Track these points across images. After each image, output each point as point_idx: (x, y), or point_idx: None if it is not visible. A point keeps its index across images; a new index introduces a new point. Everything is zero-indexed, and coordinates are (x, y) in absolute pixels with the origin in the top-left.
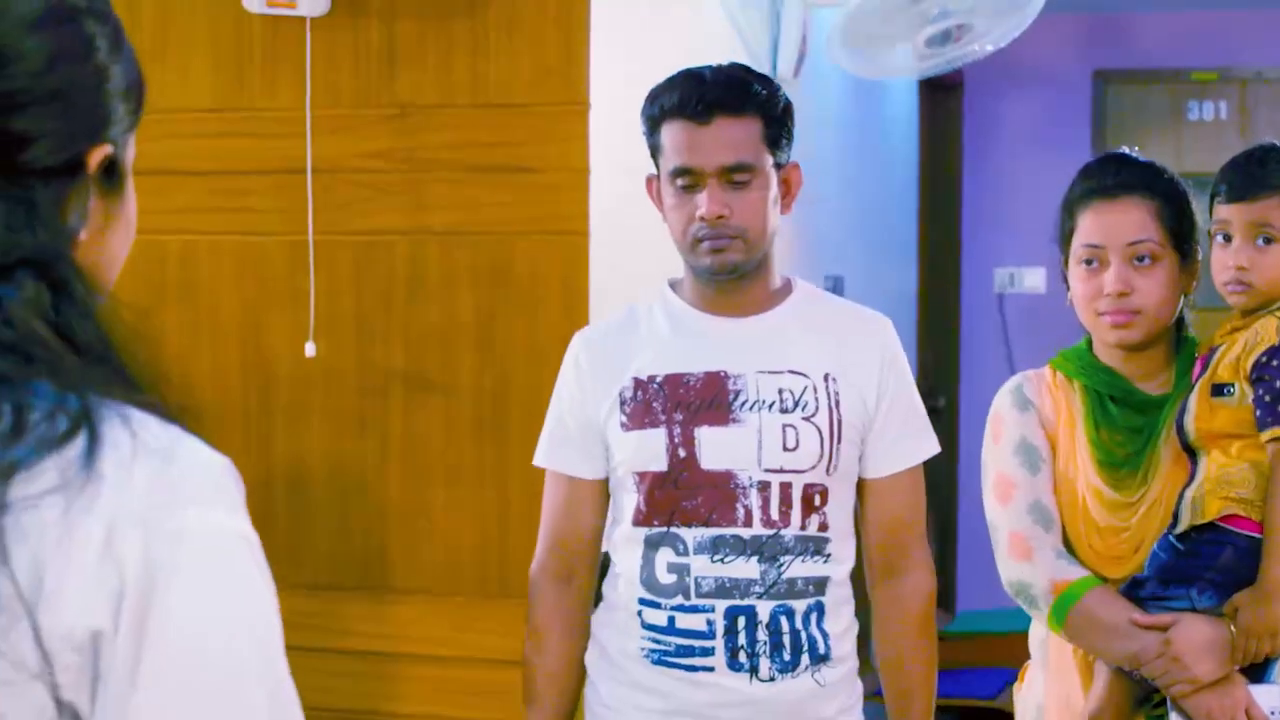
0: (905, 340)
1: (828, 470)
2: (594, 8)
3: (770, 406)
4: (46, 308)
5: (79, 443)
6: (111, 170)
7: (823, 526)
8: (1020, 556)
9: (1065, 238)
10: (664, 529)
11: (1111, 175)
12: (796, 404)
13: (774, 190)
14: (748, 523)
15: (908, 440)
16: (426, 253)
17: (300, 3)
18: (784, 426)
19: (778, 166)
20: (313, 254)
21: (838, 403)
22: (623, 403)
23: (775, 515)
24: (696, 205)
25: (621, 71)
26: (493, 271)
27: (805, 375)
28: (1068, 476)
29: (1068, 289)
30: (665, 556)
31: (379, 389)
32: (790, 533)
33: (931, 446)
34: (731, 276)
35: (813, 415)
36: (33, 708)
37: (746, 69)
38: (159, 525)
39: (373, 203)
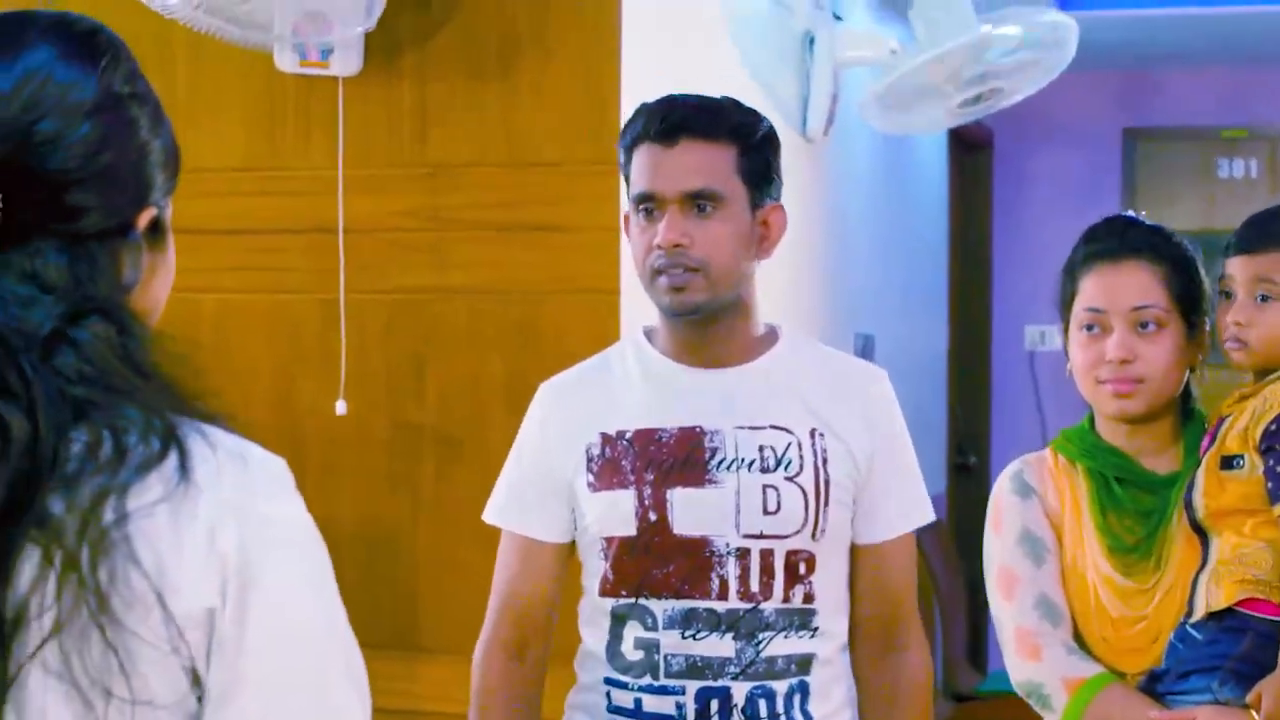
0: (936, 398)
1: (814, 535)
2: (624, 68)
3: (750, 465)
4: (116, 345)
5: (172, 458)
6: (155, 227)
7: (808, 598)
8: (1028, 655)
9: (1066, 303)
10: (631, 600)
11: (1116, 238)
12: (779, 462)
13: (746, 227)
14: (723, 595)
15: (904, 503)
16: (457, 311)
17: (333, 63)
18: (765, 487)
19: (755, 205)
20: (344, 313)
21: (825, 460)
22: (589, 460)
23: (755, 586)
24: (656, 233)
25: None
26: (523, 330)
27: (789, 431)
28: (1076, 566)
29: (1068, 359)
30: (633, 631)
31: (409, 448)
32: (771, 606)
33: (927, 513)
34: (695, 318)
35: (797, 475)
36: (170, 677)
37: (733, 100)
38: (247, 519)
39: (404, 261)
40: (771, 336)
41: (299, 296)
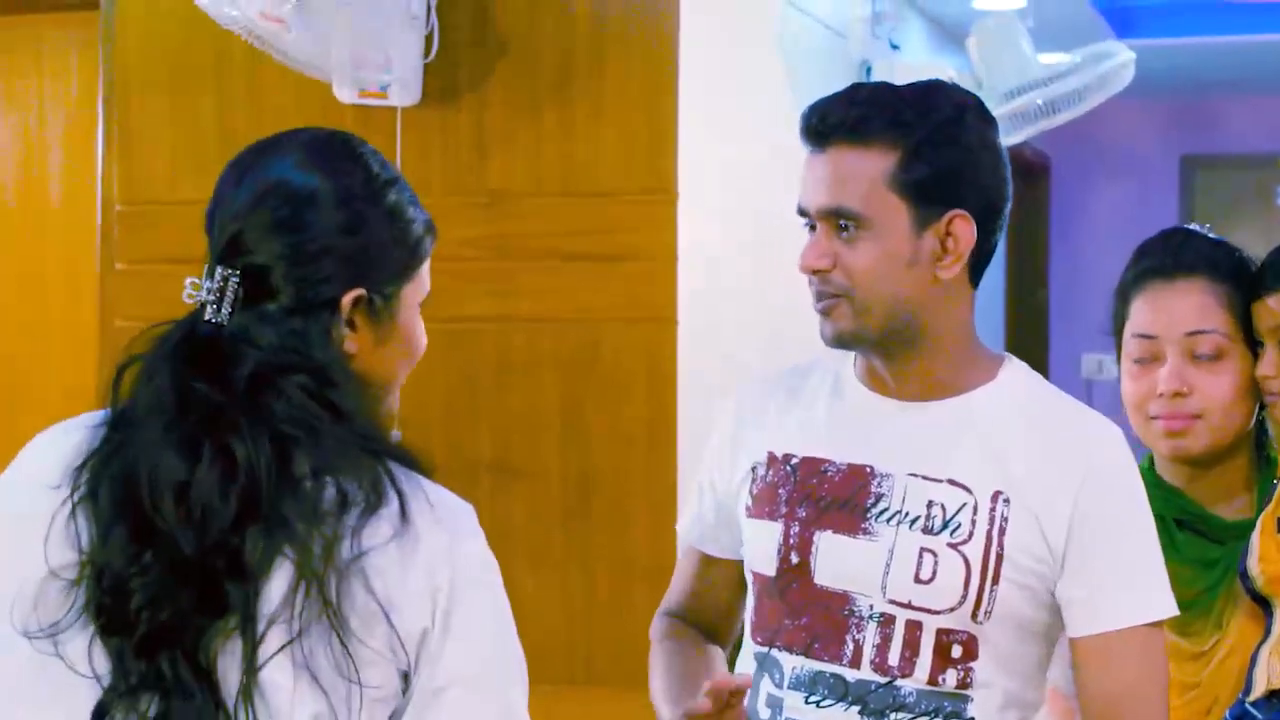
0: None
1: (975, 615)
2: (682, 96)
3: (913, 522)
4: (317, 394)
5: (394, 504)
6: (371, 306)
7: (963, 684)
8: (1060, 718)
9: (1118, 328)
10: (766, 649)
11: (1170, 253)
12: (945, 525)
13: (904, 247)
14: (855, 662)
15: (1121, 591)
16: (514, 340)
17: (391, 93)
18: (922, 550)
19: (924, 221)
20: None
21: (1003, 531)
22: (754, 480)
23: (893, 660)
24: None
25: (709, 159)
26: (580, 358)
27: (968, 489)
28: None
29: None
30: (766, 685)
31: (466, 475)
32: (911, 685)
33: (1161, 606)
34: (851, 349)
35: (963, 543)
36: (387, 675)
37: (923, 89)
38: (455, 560)
39: (461, 290)
40: (989, 370)
41: None
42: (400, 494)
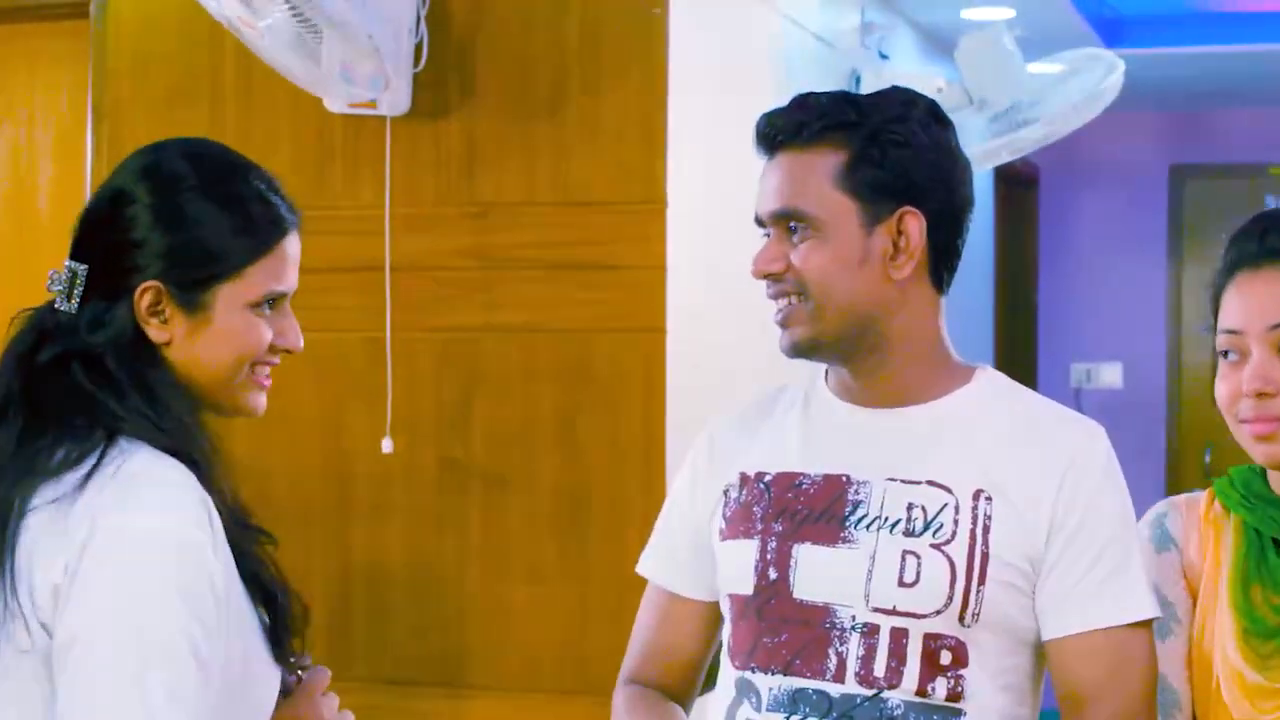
0: None
1: (962, 619)
2: (672, 107)
3: (893, 526)
4: (99, 378)
5: (85, 470)
6: (180, 298)
7: (955, 695)
8: None
9: (1214, 325)
10: (743, 673)
11: (1255, 240)
12: (927, 526)
13: (853, 248)
14: (839, 677)
15: (1100, 590)
16: (506, 350)
17: (381, 102)
18: (905, 553)
19: (875, 219)
20: (390, 351)
21: (987, 529)
22: (726, 503)
23: (879, 670)
24: None
25: (700, 170)
26: (572, 369)
27: (948, 490)
28: (1202, 645)
29: None
30: (744, 711)
31: (458, 486)
32: (899, 697)
33: (1137, 607)
34: (811, 358)
35: (946, 543)
36: (25, 632)
37: (879, 91)
38: (99, 525)
39: (452, 301)
40: (963, 377)
41: (347, 335)
42: (97, 463)
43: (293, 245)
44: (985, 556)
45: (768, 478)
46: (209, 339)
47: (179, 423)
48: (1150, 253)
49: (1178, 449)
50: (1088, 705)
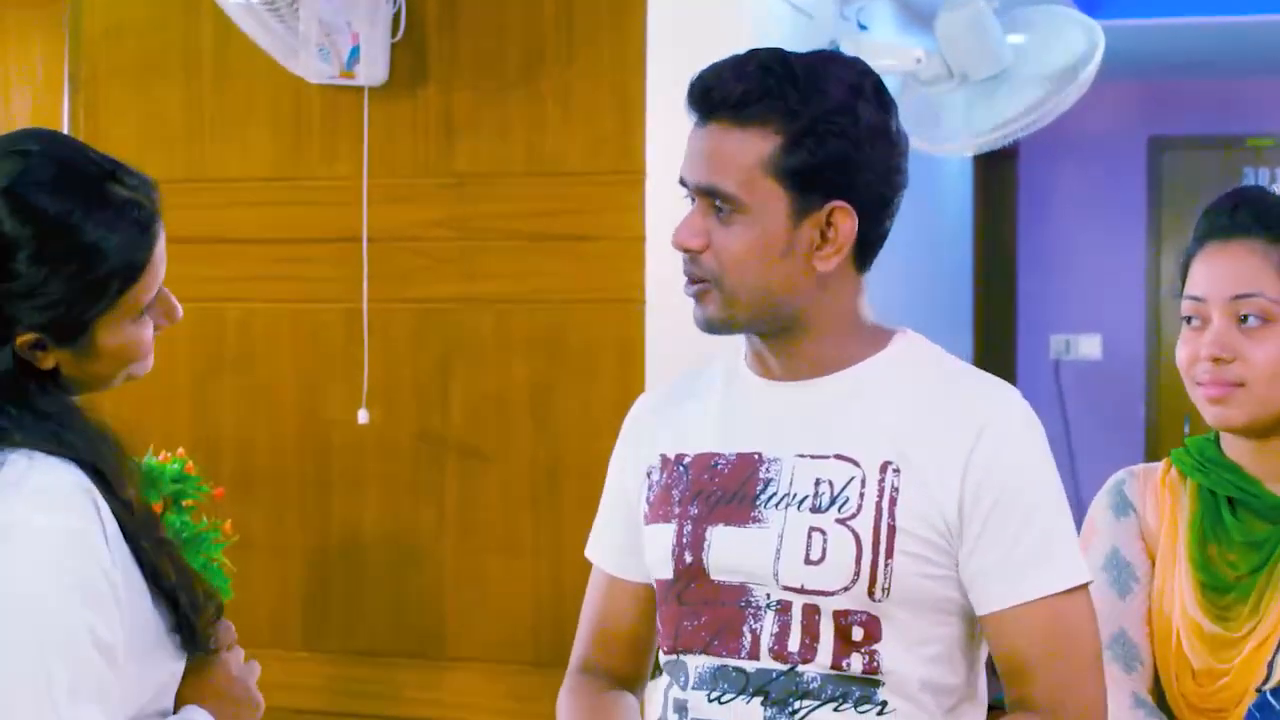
0: None
1: (871, 594)
2: (650, 77)
3: (801, 503)
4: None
5: None
6: (68, 336)
7: (871, 669)
8: None
9: (1183, 290)
10: (673, 656)
11: (1226, 214)
12: (833, 501)
13: (777, 237)
14: (753, 653)
15: (1026, 561)
16: (482, 321)
17: (358, 73)
18: (810, 530)
19: (802, 210)
20: (367, 322)
21: (894, 502)
22: (649, 487)
23: (793, 646)
24: None
25: (678, 140)
26: (548, 340)
27: (855, 463)
28: (1163, 602)
29: None
30: (673, 691)
31: (434, 457)
32: (814, 670)
33: (1069, 574)
34: (723, 334)
35: (851, 517)
36: None
37: (823, 64)
38: None
39: (429, 271)
40: (879, 342)
41: (324, 306)
42: None
43: (160, 244)
44: (892, 529)
45: (686, 459)
46: (95, 362)
47: (79, 435)
48: (1129, 224)
49: (1156, 419)
50: (1028, 677)
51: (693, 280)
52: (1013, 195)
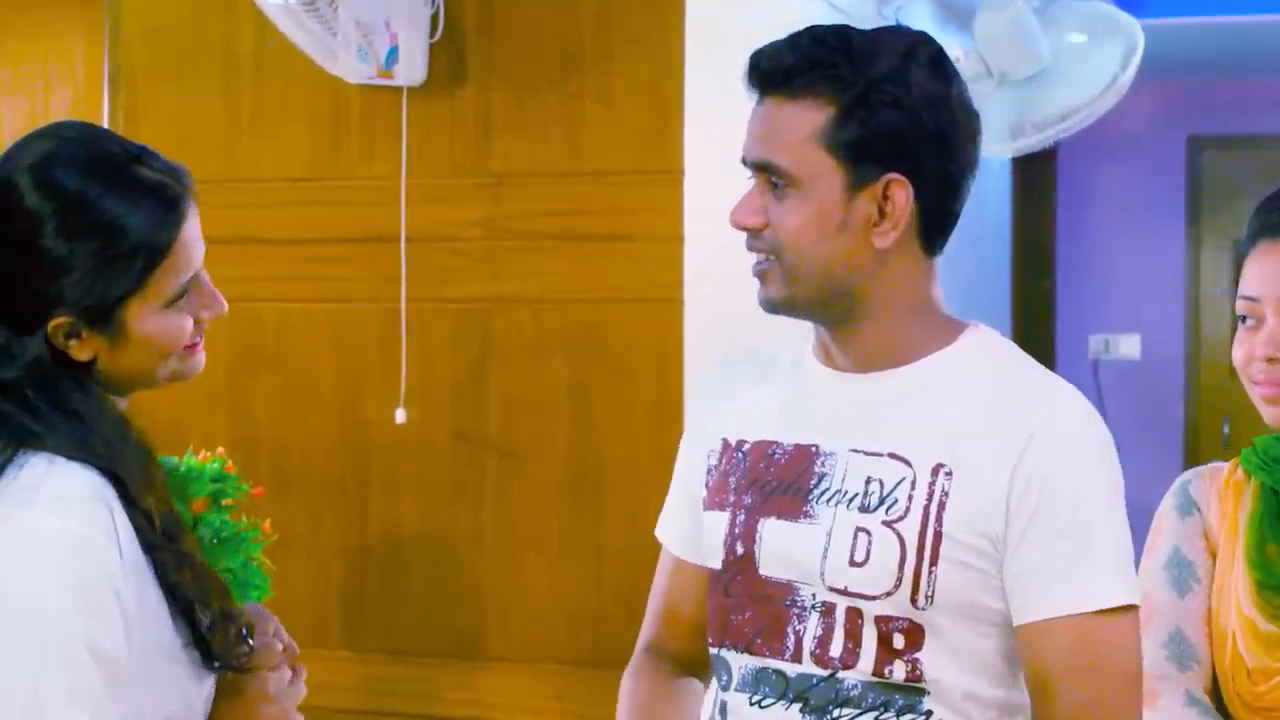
0: None
1: (914, 600)
2: (688, 77)
3: (850, 501)
4: (20, 400)
5: None
6: (98, 320)
7: (914, 677)
8: (1145, 699)
9: (1236, 289)
10: (717, 650)
11: (1278, 211)
12: (881, 501)
13: (836, 210)
14: (796, 656)
15: (1064, 574)
16: (520, 321)
17: (397, 73)
18: (857, 530)
19: (858, 182)
20: (404, 322)
21: (941, 506)
22: (709, 471)
23: (835, 651)
24: None
25: (716, 139)
26: (586, 340)
27: (906, 462)
28: (1221, 602)
29: None
30: (715, 690)
31: (472, 457)
32: (855, 678)
33: (1107, 593)
34: (786, 314)
35: (897, 520)
36: None
37: (876, 35)
38: (1, 527)
39: (466, 271)
40: (947, 336)
41: (361, 306)
42: (2, 470)
43: (191, 227)
44: (938, 535)
45: (746, 446)
46: (130, 350)
47: (103, 441)
48: (1168, 223)
49: (1196, 419)
50: (1050, 698)
51: (755, 250)
52: (1051, 195)
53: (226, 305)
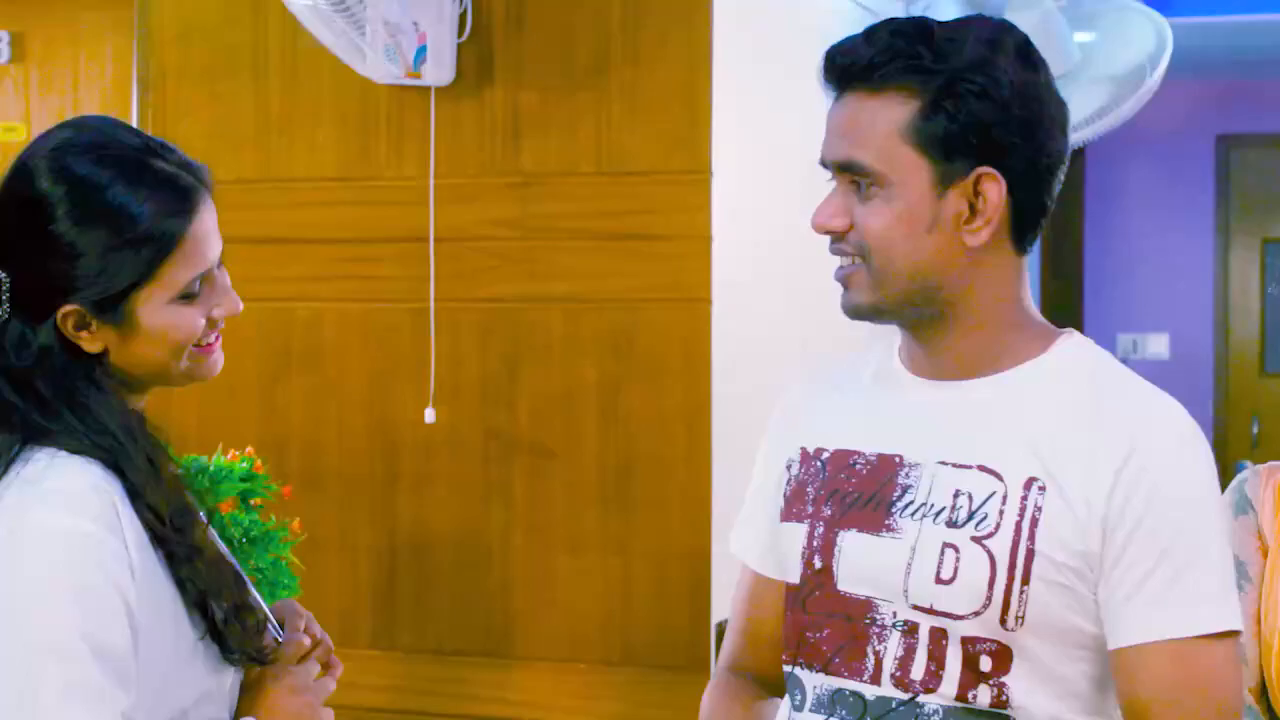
0: None
1: (1004, 621)
2: (716, 77)
3: (937, 515)
4: (25, 392)
5: None
6: (107, 310)
7: (1000, 703)
8: None
9: None
10: (791, 667)
11: None
12: (970, 516)
13: (925, 208)
14: (875, 678)
15: (1163, 597)
16: (549, 320)
17: (426, 73)
18: (944, 546)
19: (949, 178)
20: (434, 321)
21: (1034, 523)
22: (787, 480)
23: (917, 674)
24: None
25: (744, 139)
26: (615, 339)
27: (998, 476)
28: (1268, 602)
29: None
30: (786, 710)
31: (503, 456)
32: (936, 702)
33: (1209, 618)
34: (871, 320)
35: (987, 536)
36: None
37: (960, 25)
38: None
39: (496, 270)
40: (1040, 344)
41: (391, 305)
42: (7, 466)
43: (205, 221)
44: (1030, 553)
45: (825, 455)
46: (140, 343)
47: (109, 435)
48: (1197, 222)
49: (1225, 419)
50: (1151, 715)
51: (840, 254)
52: (1079, 194)
53: (241, 304)
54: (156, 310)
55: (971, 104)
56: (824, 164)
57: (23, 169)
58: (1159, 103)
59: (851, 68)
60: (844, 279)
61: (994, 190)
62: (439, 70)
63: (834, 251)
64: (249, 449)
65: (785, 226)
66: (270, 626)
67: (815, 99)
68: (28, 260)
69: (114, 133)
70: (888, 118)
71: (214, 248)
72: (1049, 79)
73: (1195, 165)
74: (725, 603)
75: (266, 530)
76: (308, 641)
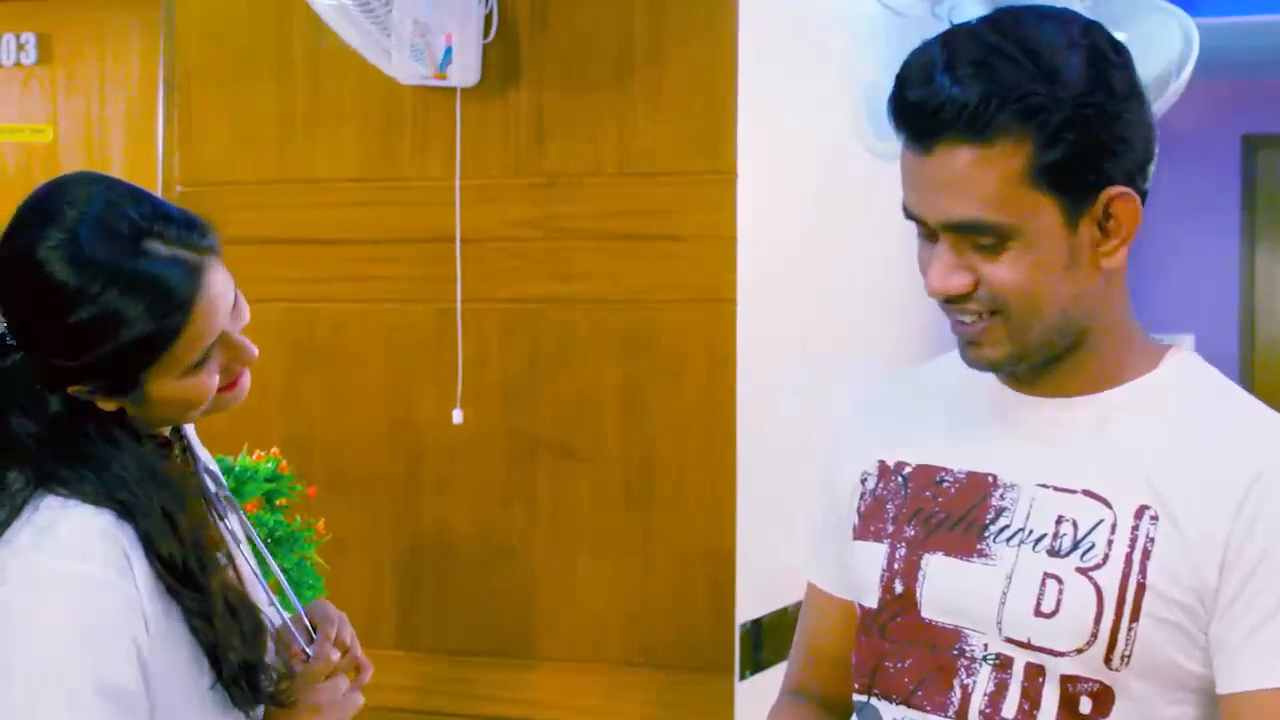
0: None
1: (1109, 660)
2: (741, 76)
3: (1037, 542)
4: (43, 442)
5: (9, 520)
6: (116, 391)
7: None
8: None
9: None
10: (865, 697)
11: None
12: (1075, 545)
13: (1062, 248)
14: (961, 713)
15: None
16: (573, 321)
17: (451, 74)
18: (1046, 576)
19: (1078, 211)
20: (460, 322)
21: (1146, 555)
22: (861, 495)
23: (1008, 712)
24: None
25: (769, 140)
26: (639, 340)
27: (1106, 503)
28: None
29: None
30: None
31: (525, 457)
32: None
33: None
34: (1009, 370)
35: (1095, 567)
36: None
37: (1044, 39)
38: (9, 566)
39: (520, 271)
40: (1150, 361)
41: (416, 306)
42: (18, 511)
43: (210, 293)
44: (1141, 588)
45: (907, 469)
46: (155, 407)
47: (122, 486)
48: (1222, 223)
49: None
50: None
51: (965, 319)
52: None
53: (256, 352)
54: (167, 385)
55: (1091, 128)
56: (913, 217)
57: (22, 260)
58: (1184, 103)
59: (942, 116)
60: (973, 336)
61: (1128, 208)
62: (465, 71)
63: (955, 310)
64: (274, 449)
65: (810, 226)
66: (297, 636)
67: (839, 99)
68: (33, 345)
69: (105, 223)
70: (1006, 167)
71: (222, 312)
72: (1136, 75)
73: (1220, 166)
74: (748, 604)
75: (292, 531)
76: (335, 655)
